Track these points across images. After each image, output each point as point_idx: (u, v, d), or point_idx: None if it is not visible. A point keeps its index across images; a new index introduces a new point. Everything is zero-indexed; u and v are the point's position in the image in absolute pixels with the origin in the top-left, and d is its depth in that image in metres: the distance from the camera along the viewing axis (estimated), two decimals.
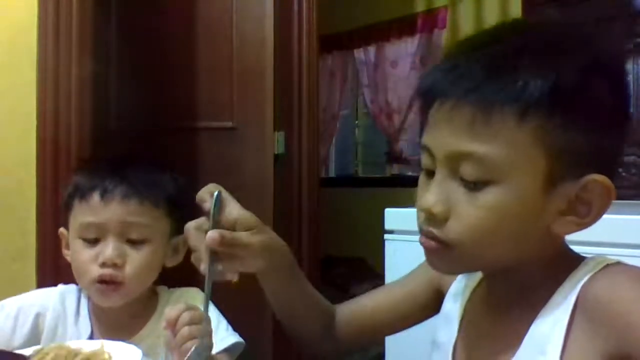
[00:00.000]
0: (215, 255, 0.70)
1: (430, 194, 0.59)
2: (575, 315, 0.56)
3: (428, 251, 0.63)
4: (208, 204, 0.71)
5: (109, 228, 0.91)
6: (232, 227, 0.71)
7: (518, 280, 0.63)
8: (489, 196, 0.56)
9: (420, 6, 3.73)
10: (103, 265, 0.90)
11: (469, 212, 0.57)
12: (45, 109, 1.60)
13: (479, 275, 0.71)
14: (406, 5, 3.78)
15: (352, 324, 0.85)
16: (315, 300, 0.84)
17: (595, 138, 0.56)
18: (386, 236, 1.66)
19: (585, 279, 0.57)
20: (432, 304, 0.80)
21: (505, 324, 0.63)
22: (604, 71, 0.57)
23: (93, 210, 0.91)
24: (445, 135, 0.58)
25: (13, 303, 0.96)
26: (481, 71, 0.56)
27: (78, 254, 0.93)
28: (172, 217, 0.96)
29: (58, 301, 0.97)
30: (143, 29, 2.06)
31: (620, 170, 2.70)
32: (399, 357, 1.61)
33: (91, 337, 0.95)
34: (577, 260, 0.61)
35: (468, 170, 0.56)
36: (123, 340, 0.85)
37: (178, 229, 0.95)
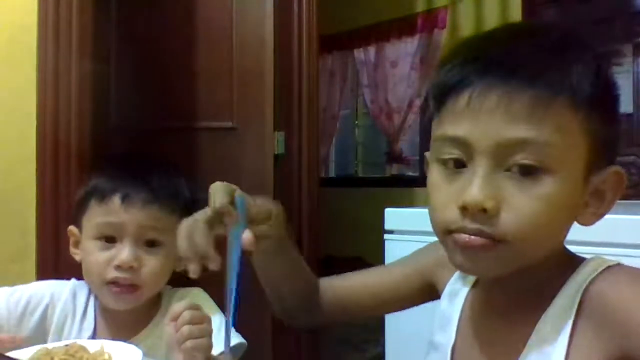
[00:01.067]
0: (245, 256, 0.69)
1: (477, 188, 0.55)
2: (579, 317, 0.56)
3: (474, 249, 0.57)
4: (233, 212, 0.69)
5: (127, 229, 0.91)
6: (252, 222, 0.70)
7: (519, 282, 0.62)
8: (545, 185, 0.55)
9: (420, 6, 3.73)
10: (118, 268, 0.90)
11: (524, 204, 0.55)
12: (45, 109, 1.60)
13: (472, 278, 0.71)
14: (406, 5, 3.78)
15: (337, 300, 0.84)
16: (301, 270, 0.83)
17: (615, 130, 0.59)
18: (386, 236, 1.66)
19: (588, 281, 0.57)
20: (421, 294, 0.79)
21: (506, 326, 0.63)
22: (612, 75, 0.61)
23: (113, 212, 0.92)
24: (498, 124, 0.55)
25: (25, 290, 0.96)
26: (539, 60, 0.56)
27: (92, 255, 0.93)
28: None
29: (70, 295, 0.98)
30: (143, 29, 2.06)
31: None
32: (399, 357, 1.61)
33: (93, 336, 0.95)
34: (576, 261, 0.61)
35: (524, 158, 0.55)
36: (125, 340, 0.85)
37: None
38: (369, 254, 3.42)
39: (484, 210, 0.55)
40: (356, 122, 4.43)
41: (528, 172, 0.55)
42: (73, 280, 1.01)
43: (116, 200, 0.92)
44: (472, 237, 0.56)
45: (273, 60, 1.95)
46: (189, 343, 0.73)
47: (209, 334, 0.76)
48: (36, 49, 1.61)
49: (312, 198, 2.12)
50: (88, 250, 0.93)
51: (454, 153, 0.58)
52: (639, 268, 0.59)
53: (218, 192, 0.68)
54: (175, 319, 0.75)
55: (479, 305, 0.68)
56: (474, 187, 0.55)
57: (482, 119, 0.56)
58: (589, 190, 0.59)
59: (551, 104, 0.54)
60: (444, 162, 0.59)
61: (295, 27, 2.10)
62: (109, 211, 0.92)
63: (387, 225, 1.67)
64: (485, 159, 0.56)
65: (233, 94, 2.01)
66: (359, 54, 4.09)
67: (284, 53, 2.04)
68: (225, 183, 0.70)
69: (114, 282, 0.91)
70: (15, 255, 1.59)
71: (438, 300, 0.76)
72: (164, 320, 0.78)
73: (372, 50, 4.02)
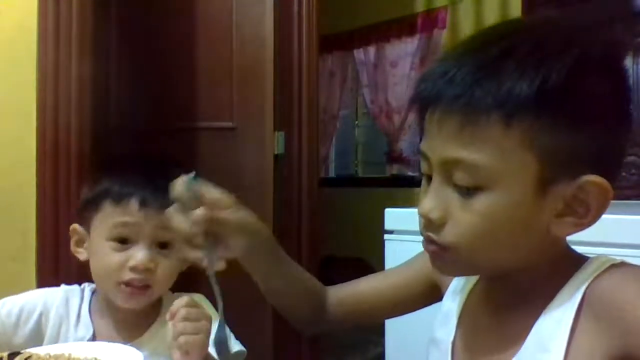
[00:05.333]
0: (211, 240, 0.71)
1: (427, 200, 0.60)
2: (581, 314, 0.56)
3: (430, 254, 0.64)
4: (183, 191, 0.71)
5: (144, 231, 0.91)
6: (212, 208, 0.71)
7: (518, 282, 0.63)
8: (482, 202, 0.57)
9: (420, 6, 3.73)
10: (134, 269, 0.90)
11: (463, 218, 0.58)
12: (45, 109, 1.60)
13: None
14: (406, 5, 3.78)
15: (345, 306, 0.85)
16: (303, 283, 0.84)
17: (588, 138, 0.55)
18: (386, 236, 1.66)
19: (591, 278, 0.57)
20: (427, 295, 0.81)
21: (506, 322, 0.63)
22: (598, 69, 0.56)
23: (129, 213, 0.92)
24: (437, 142, 0.59)
25: (16, 300, 0.95)
26: (468, 77, 0.56)
27: (106, 256, 0.92)
28: None
29: (62, 301, 0.97)
30: (143, 29, 2.06)
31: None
32: (399, 357, 1.61)
33: (93, 340, 0.95)
34: (580, 260, 0.61)
35: (460, 176, 0.57)
36: (125, 343, 0.85)
37: None
38: (369, 254, 3.42)
39: (431, 221, 0.60)
40: (356, 122, 4.42)
41: (468, 189, 0.57)
42: (63, 287, 1.01)
43: (133, 203, 0.91)
44: (426, 243, 0.63)
45: (273, 60, 1.95)
46: (182, 339, 0.75)
47: (204, 331, 0.77)
48: (36, 49, 1.61)
49: (312, 198, 2.12)
50: (101, 251, 0.93)
51: (424, 167, 0.63)
52: None
53: (176, 184, 0.72)
54: (173, 316, 0.76)
55: (480, 302, 0.69)
56: (425, 200, 0.61)
57: (433, 136, 0.60)
58: (560, 200, 0.56)
59: (479, 122, 0.55)
60: (423, 175, 0.64)
61: (295, 27, 2.10)
62: (126, 213, 0.92)
63: (387, 225, 1.67)
64: (436, 174, 0.60)
65: (233, 94, 2.01)
66: (359, 54, 4.09)
67: (284, 53, 2.04)
68: (184, 176, 0.72)
69: (127, 283, 0.91)
70: (15, 255, 1.59)
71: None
72: (164, 329, 0.79)
73: (372, 50, 4.01)
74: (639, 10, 2.74)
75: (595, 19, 2.66)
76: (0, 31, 1.60)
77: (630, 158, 2.66)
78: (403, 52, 3.83)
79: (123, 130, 2.02)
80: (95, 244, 0.94)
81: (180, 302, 0.78)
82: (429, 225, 0.61)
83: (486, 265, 0.63)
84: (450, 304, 0.72)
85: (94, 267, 0.95)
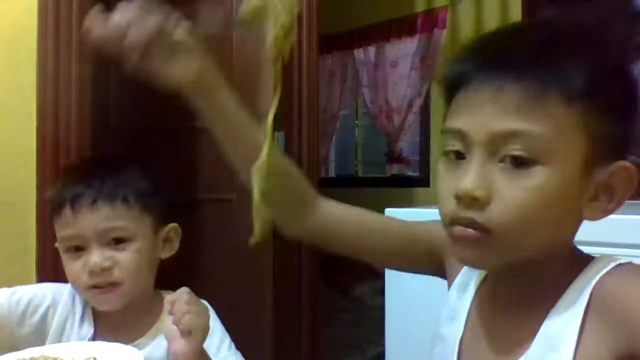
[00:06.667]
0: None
1: (470, 177, 0.57)
2: (588, 313, 0.57)
3: (465, 242, 0.60)
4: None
5: (87, 237, 0.91)
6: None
7: (527, 279, 0.63)
8: (535, 177, 0.56)
9: (420, 6, 3.73)
10: (92, 273, 0.90)
11: (513, 194, 0.56)
12: (45, 109, 1.60)
13: (483, 271, 0.70)
14: (406, 5, 3.78)
15: (331, 224, 0.78)
16: (288, 163, 0.78)
17: (623, 126, 0.59)
18: None
19: (597, 277, 0.58)
20: (420, 260, 0.78)
21: (514, 322, 0.63)
22: (622, 65, 0.62)
23: (67, 223, 0.92)
24: (487, 116, 0.57)
25: (26, 290, 0.96)
26: (529, 56, 0.57)
27: (67, 266, 0.93)
28: (150, 211, 0.95)
29: (69, 298, 0.98)
30: None
31: None
32: (399, 356, 1.61)
33: (93, 340, 0.95)
34: (586, 259, 0.62)
35: (515, 149, 0.56)
36: (125, 344, 0.85)
37: (162, 220, 0.97)
38: None
39: (476, 199, 0.57)
40: (356, 122, 4.42)
41: (519, 164, 0.56)
42: (70, 284, 1.01)
43: (66, 209, 0.91)
44: (462, 229, 0.59)
45: None
46: (186, 318, 0.74)
47: (206, 317, 0.77)
48: (36, 49, 1.61)
49: None
50: (64, 261, 0.94)
51: (455, 145, 0.60)
52: None
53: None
54: (173, 304, 0.76)
55: (488, 300, 0.68)
56: (467, 177, 0.57)
57: (477, 111, 0.58)
58: (593, 185, 0.58)
59: (541, 97, 0.56)
60: (447, 154, 0.62)
61: (295, 27, 2.10)
62: (64, 223, 0.92)
63: None
64: (479, 150, 0.58)
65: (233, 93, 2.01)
66: (359, 54, 4.09)
67: None
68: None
69: (93, 287, 0.92)
70: (15, 255, 1.59)
71: (444, 293, 0.75)
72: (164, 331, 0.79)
73: (372, 50, 4.01)
74: (639, 10, 2.74)
75: (595, 19, 2.66)
76: (0, 31, 1.60)
77: (630, 158, 2.66)
78: (403, 52, 3.83)
79: (123, 130, 2.02)
80: (62, 256, 0.95)
81: (182, 290, 0.79)
82: (473, 205, 0.57)
83: (525, 250, 0.59)
84: (458, 300, 0.71)
85: (68, 278, 0.96)
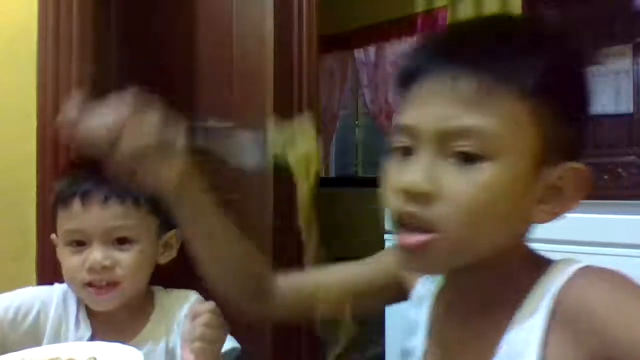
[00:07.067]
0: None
1: (414, 171, 0.55)
2: (552, 323, 0.54)
3: (411, 249, 0.57)
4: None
5: (92, 233, 0.90)
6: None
7: (482, 284, 0.60)
8: (484, 173, 0.54)
9: (420, 6, 3.73)
10: (91, 270, 0.90)
11: (460, 190, 0.54)
12: (45, 109, 1.60)
13: (441, 279, 0.68)
14: (406, 6, 3.78)
15: (298, 293, 0.78)
16: (250, 251, 0.77)
17: (576, 127, 0.58)
18: (386, 236, 1.66)
19: (560, 284, 0.55)
20: (390, 293, 0.76)
21: (476, 333, 0.61)
22: (579, 66, 0.60)
23: (75, 217, 0.91)
24: (439, 110, 0.55)
25: (13, 297, 0.95)
26: (481, 48, 0.56)
27: (66, 261, 0.93)
28: (157, 214, 0.95)
29: (60, 300, 0.97)
30: (143, 29, 2.06)
31: (620, 170, 2.70)
32: (399, 357, 1.61)
33: (92, 340, 0.94)
34: (544, 262, 0.59)
35: (465, 146, 0.54)
36: (122, 342, 0.85)
37: (166, 225, 0.96)
38: (369, 254, 3.41)
39: (422, 194, 0.54)
40: (356, 122, 4.43)
41: (468, 159, 0.54)
42: (57, 285, 1.00)
43: (76, 203, 0.91)
44: (409, 236, 0.56)
45: (273, 61, 1.95)
46: (197, 344, 0.74)
47: (221, 342, 0.77)
48: (36, 49, 1.61)
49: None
50: (62, 256, 0.94)
51: (403, 141, 0.58)
52: (612, 269, 0.55)
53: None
54: (195, 317, 0.76)
55: (448, 310, 0.66)
56: (414, 170, 0.56)
57: (427, 106, 0.56)
58: (542, 185, 0.56)
59: (494, 91, 0.54)
60: (395, 151, 0.60)
61: (296, 27, 2.10)
62: (72, 216, 0.91)
63: (387, 225, 1.67)
64: (428, 146, 0.56)
65: (233, 94, 2.01)
66: (359, 54, 4.09)
67: (284, 53, 2.04)
68: None
69: (90, 284, 0.91)
70: (15, 254, 1.59)
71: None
72: (159, 327, 0.77)
73: (372, 50, 4.02)
74: (639, 10, 2.74)
75: (595, 19, 2.66)
76: (0, 31, 1.60)
77: (630, 158, 2.66)
78: (403, 52, 3.83)
79: None
80: (60, 250, 0.95)
81: (206, 307, 0.77)
82: (419, 200, 0.55)
83: (475, 249, 0.57)
84: (417, 313, 0.69)
85: (63, 273, 0.95)
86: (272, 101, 1.95)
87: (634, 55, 2.70)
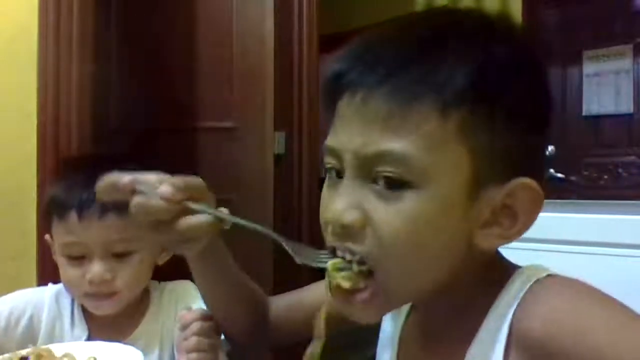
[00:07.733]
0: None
1: (339, 201, 0.50)
2: (511, 348, 0.49)
3: (358, 304, 0.52)
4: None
5: (90, 247, 0.89)
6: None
7: (448, 303, 0.55)
8: (408, 202, 0.48)
9: (420, 6, 3.73)
10: (91, 283, 0.89)
11: (385, 220, 0.48)
12: (45, 109, 1.60)
13: None
14: (406, 5, 3.78)
15: (288, 317, 0.77)
16: (248, 292, 0.78)
17: (519, 135, 0.50)
18: None
19: (515, 303, 0.50)
20: None
21: (439, 351, 0.57)
22: (528, 69, 0.52)
23: (72, 231, 0.89)
24: (356, 132, 0.49)
25: (3, 302, 0.94)
26: (397, 57, 0.49)
27: (65, 271, 0.92)
28: None
29: (52, 300, 0.96)
30: (143, 29, 2.06)
31: (620, 170, 2.70)
32: None
33: (89, 339, 0.94)
34: (507, 272, 0.54)
35: (384, 171, 0.48)
36: (120, 340, 0.85)
37: None
38: None
39: (347, 227, 0.49)
40: None
41: (394, 185, 0.48)
42: (51, 286, 0.99)
43: (73, 216, 0.88)
44: (346, 297, 0.52)
45: (273, 60, 1.95)
46: (194, 355, 0.72)
47: (217, 349, 0.75)
48: (36, 49, 1.60)
49: (312, 198, 2.12)
50: (61, 265, 0.93)
51: (332, 163, 0.53)
52: (572, 279, 0.51)
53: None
54: (184, 328, 0.73)
55: (416, 328, 0.62)
56: (335, 200, 0.50)
57: (347, 127, 0.51)
58: (489, 207, 0.50)
59: (411, 109, 0.47)
60: (329, 171, 0.54)
61: (296, 27, 2.10)
62: (69, 230, 0.89)
63: None
64: (352, 170, 0.50)
65: (233, 94, 2.01)
66: None
67: (284, 53, 2.04)
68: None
69: (90, 294, 0.91)
70: (15, 254, 1.59)
71: None
72: (155, 323, 0.76)
73: None
74: (639, 10, 2.74)
75: (595, 19, 2.66)
76: (0, 31, 1.60)
77: (630, 158, 2.66)
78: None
79: (123, 130, 2.02)
80: (57, 256, 0.94)
81: (194, 315, 0.74)
82: (344, 233, 0.50)
83: (408, 289, 0.52)
84: (390, 327, 0.65)
85: (62, 281, 0.94)
86: (272, 101, 1.96)
87: (634, 55, 2.70)
